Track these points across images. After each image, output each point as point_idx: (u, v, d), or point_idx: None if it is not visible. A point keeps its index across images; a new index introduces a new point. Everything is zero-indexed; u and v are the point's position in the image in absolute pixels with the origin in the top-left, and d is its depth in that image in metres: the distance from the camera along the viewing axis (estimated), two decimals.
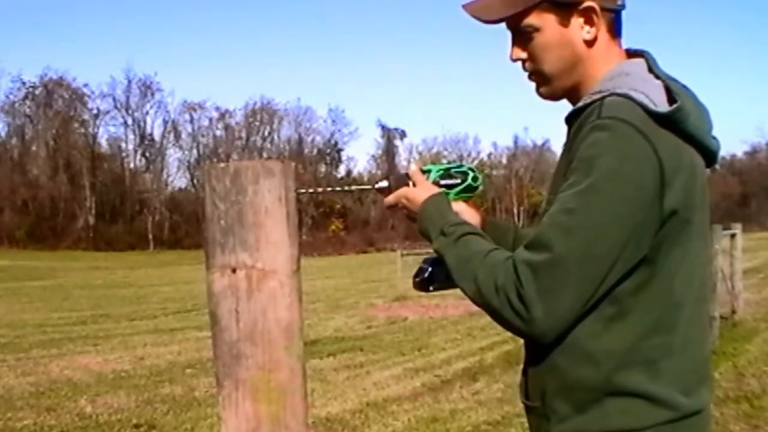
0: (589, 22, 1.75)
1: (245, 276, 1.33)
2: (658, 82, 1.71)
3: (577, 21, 1.75)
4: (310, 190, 2.26)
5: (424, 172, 2.06)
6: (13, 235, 69.14)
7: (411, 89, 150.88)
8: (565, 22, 1.75)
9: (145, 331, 14.80)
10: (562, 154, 1.78)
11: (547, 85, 1.85)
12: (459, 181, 2.09)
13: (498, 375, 8.96)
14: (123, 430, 7.14)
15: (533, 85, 1.89)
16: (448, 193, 2.02)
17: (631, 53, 1.84)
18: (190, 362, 10.70)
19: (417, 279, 2.07)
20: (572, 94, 1.83)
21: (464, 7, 1.83)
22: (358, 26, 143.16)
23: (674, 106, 1.62)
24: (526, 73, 1.88)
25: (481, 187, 2.17)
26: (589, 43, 1.77)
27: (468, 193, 2.12)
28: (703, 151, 1.73)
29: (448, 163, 2.15)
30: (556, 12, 1.75)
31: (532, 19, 1.76)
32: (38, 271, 38.05)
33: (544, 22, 1.76)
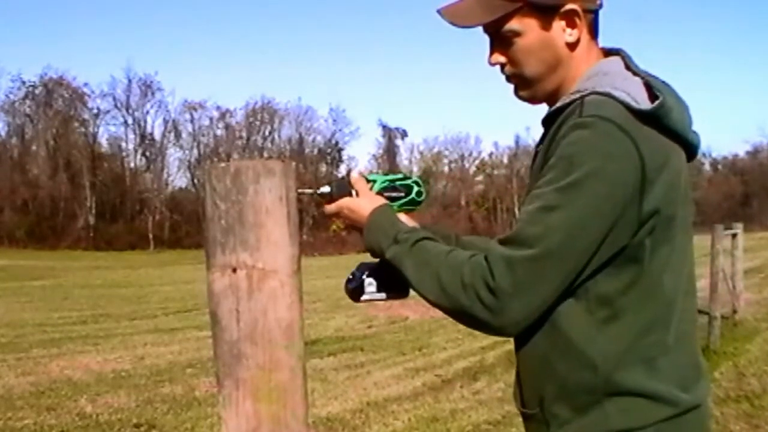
0: (572, 24, 1.74)
1: (246, 276, 1.33)
2: (638, 79, 1.72)
3: (559, 24, 1.74)
4: None
5: (368, 181, 2.03)
6: (13, 234, 69.16)
7: (412, 89, 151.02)
8: (546, 26, 1.74)
9: (146, 330, 14.81)
10: (538, 154, 1.78)
11: (527, 88, 1.84)
12: (402, 194, 2.05)
13: (499, 374, 8.98)
14: (123, 430, 7.15)
15: (512, 87, 1.88)
16: (390, 206, 1.97)
17: (607, 52, 1.84)
18: (190, 362, 10.71)
19: (349, 286, 2.02)
20: (552, 96, 1.82)
21: (440, 11, 1.81)
22: (358, 25, 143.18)
23: (656, 102, 1.62)
24: (504, 76, 1.86)
25: (424, 202, 2.11)
26: (572, 46, 1.77)
27: (410, 206, 2.07)
28: (685, 146, 1.73)
29: (393, 174, 2.10)
30: (538, 16, 1.74)
31: (514, 24, 1.74)
32: (38, 271, 38.05)
33: (526, 26, 1.74)
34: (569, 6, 1.72)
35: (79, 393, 8.67)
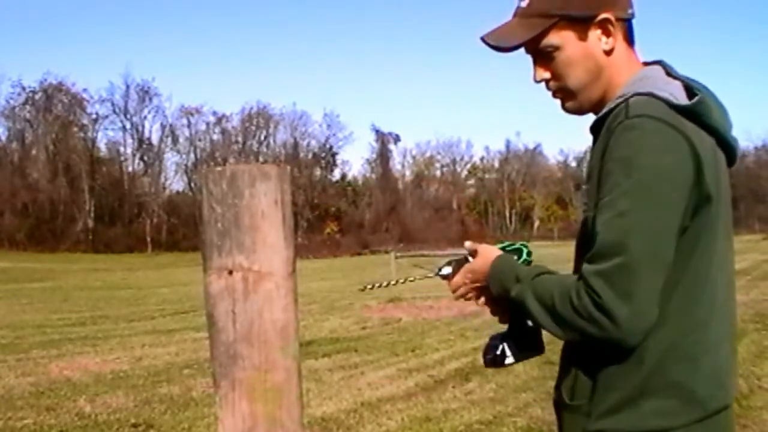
0: (607, 33, 1.81)
1: (242, 278, 1.36)
2: (678, 82, 1.79)
3: (594, 33, 1.81)
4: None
5: None
6: (13, 237, 68.74)
7: (405, 94, 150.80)
8: (583, 36, 1.81)
9: (144, 332, 14.74)
10: (593, 160, 1.80)
11: (572, 99, 1.90)
12: (515, 257, 2.06)
13: (490, 375, 8.93)
14: (121, 430, 7.14)
15: (558, 102, 1.94)
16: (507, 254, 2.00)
17: (649, 63, 1.90)
18: (187, 363, 10.68)
19: (488, 357, 2.06)
20: (598, 105, 1.88)
21: (483, 38, 1.87)
22: (352, 32, 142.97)
23: (695, 99, 1.69)
24: (551, 92, 1.92)
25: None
26: (609, 53, 1.83)
27: None
28: (725, 148, 1.80)
29: (501, 242, 2.13)
30: (574, 28, 1.81)
31: (552, 39, 1.82)
32: (38, 273, 37.85)
33: (564, 39, 1.81)
34: (603, 15, 1.79)
35: (78, 393, 8.65)
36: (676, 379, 1.68)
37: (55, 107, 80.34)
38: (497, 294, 1.90)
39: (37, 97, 79.72)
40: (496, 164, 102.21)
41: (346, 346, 12.11)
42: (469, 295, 2.02)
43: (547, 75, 1.88)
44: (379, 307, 17.99)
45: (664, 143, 1.61)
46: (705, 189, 1.64)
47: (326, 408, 7.77)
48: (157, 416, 7.62)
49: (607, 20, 1.79)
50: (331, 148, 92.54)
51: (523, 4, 1.85)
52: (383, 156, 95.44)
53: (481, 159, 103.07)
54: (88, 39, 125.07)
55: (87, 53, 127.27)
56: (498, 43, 1.86)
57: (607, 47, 1.81)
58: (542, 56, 1.86)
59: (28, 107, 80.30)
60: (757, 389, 7.80)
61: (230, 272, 1.36)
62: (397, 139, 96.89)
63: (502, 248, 2.06)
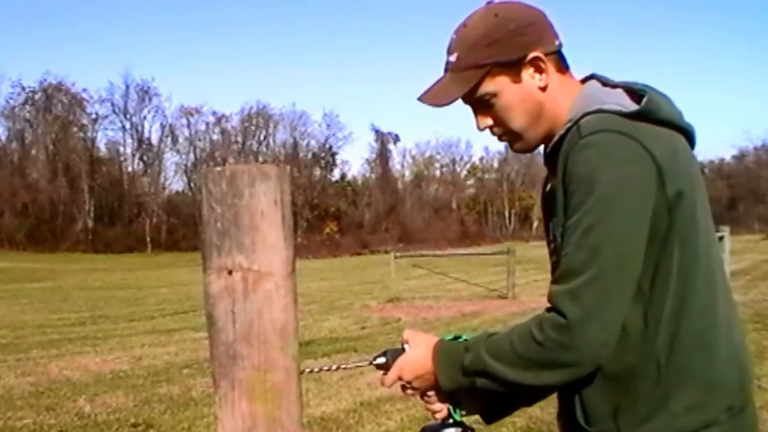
0: (539, 70, 1.81)
1: (241, 278, 1.36)
2: (618, 89, 1.79)
3: (527, 73, 1.81)
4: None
5: None
6: (13, 237, 68.71)
7: (404, 94, 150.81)
8: (517, 78, 1.81)
9: (143, 331, 14.76)
10: (553, 190, 1.79)
11: (519, 140, 1.90)
12: None
13: None
14: (121, 429, 7.15)
15: (506, 145, 1.96)
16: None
17: (583, 80, 1.91)
18: (187, 362, 10.70)
19: None
20: (547, 139, 1.88)
21: (420, 99, 1.88)
22: (352, 31, 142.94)
23: (644, 100, 1.69)
24: (497, 137, 1.93)
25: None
26: (544, 89, 1.83)
27: None
28: (683, 134, 1.79)
29: (447, 333, 2.09)
30: (507, 72, 1.81)
31: (487, 87, 1.82)
32: (38, 273, 37.84)
33: (499, 85, 1.82)
34: (532, 55, 1.79)
35: (78, 393, 8.66)
36: (695, 370, 1.66)
37: (54, 107, 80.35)
38: (446, 380, 1.86)
39: (36, 97, 79.76)
40: (496, 164, 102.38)
41: (346, 345, 12.13)
42: (408, 388, 1.97)
43: (489, 122, 1.88)
44: (379, 307, 18.02)
45: (621, 154, 1.61)
46: (672, 188, 1.63)
47: (326, 408, 7.78)
48: (156, 416, 7.63)
49: (537, 58, 1.79)
50: (330, 148, 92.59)
51: (453, 59, 1.85)
52: (383, 156, 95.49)
53: (481, 159, 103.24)
54: (88, 38, 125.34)
55: (86, 53, 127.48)
56: (434, 102, 1.86)
57: (542, 83, 1.82)
58: (481, 104, 1.86)
59: (27, 107, 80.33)
60: (756, 389, 7.79)
61: (230, 272, 1.36)
62: (396, 139, 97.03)
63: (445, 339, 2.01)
